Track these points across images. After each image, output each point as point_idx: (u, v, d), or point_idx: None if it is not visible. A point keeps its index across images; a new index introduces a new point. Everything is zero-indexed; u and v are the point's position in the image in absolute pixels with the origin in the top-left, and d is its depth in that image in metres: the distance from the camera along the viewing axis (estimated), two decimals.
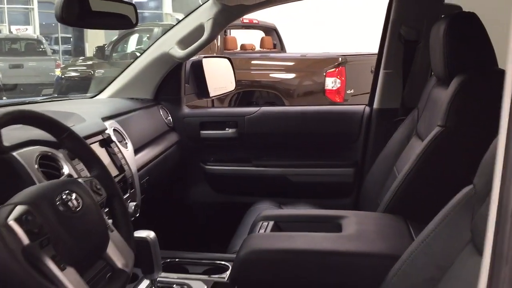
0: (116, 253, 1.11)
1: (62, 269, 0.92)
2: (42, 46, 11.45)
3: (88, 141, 1.51)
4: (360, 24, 8.80)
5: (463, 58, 1.58)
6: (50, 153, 1.29)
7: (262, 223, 1.55)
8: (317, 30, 9.64)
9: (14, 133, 1.23)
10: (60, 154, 1.34)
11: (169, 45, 2.18)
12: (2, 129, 1.01)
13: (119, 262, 1.10)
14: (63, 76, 9.13)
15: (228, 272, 1.57)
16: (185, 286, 1.49)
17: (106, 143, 1.61)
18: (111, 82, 2.32)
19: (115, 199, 1.19)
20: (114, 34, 12.76)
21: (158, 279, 1.46)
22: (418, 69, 2.13)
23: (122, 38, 8.94)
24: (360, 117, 2.25)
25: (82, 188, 1.06)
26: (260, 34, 7.72)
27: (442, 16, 1.82)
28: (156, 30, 7.95)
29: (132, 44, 8.82)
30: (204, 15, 2.08)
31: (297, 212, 1.66)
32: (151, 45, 2.31)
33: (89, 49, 14.58)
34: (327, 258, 1.32)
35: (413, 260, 1.14)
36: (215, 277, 1.54)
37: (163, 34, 2.28)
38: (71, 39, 16.29)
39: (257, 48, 7.53)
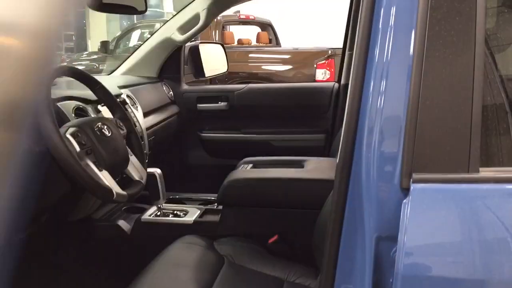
0: (134, 170, 1.56)
1: (99, 170, 1.37)
2: None
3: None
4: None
5: None
6: (81, 106, 1.74)
7: (243, 165, 2.00)
8: (310, 25, 10.05)
9: (57, 91, 1.68)
10: (89, 108, 1.79)
11: (170, 31, 2.62)
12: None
13: (136, 176, 1.55)
14: None
15: (215, 204, 2.02)
16: (183, 212, 1.93)
17: (122, 104, 2.06)
18: (122, 63, 2.77)
19: (132, 134, 1.64)
20: (117, 31, 13.15)
21: (162, 206, 1.91)
22: None
23: (125, 33, 9.39)
24: (330, 92, 2.69)
25: (111, 122, 1.51)
26: (256, 29, 8.12)
27: None
28: (158, 26, 8.36)
29: (134, 39, 9.23)
30: (200, 6, 2.52)
31: (273, 158, 2.10)
32: (155, 32, 2.75)
33: (92, 46, 14.98)
34: (290, 183, 1.77)
35: None
36: (207, 206, 1.98)
37: (166, 23, 2.72)
38: (73, 36, 16.63)
39: (254, 43, 7.94)
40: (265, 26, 8.18)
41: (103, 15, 15.82)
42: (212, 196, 2.12)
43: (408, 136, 0.84)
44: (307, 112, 2.75)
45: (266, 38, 8.04)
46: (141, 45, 2.77)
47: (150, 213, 1.91)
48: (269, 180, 1.78)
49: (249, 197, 1.79)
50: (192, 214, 1.90)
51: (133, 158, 1.57)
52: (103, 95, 1.64)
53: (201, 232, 1.79)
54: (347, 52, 2.65)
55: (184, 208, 1.95)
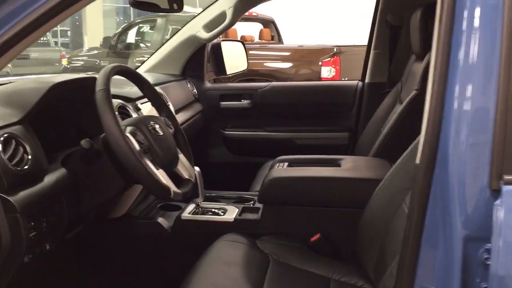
0: (184, 168, 1.56)
1: (157, 169, 1.38)
2: (45, 38, 11.80)
3: (142, 100, 1.96)
4: (353, 16, 9.25)
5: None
6: (122, 104, 1.75)
7: (279, 164, 2.01)
8: (312, 22, 10.07)
9: None
10: (129, 106, 1.80)
11: (196, 29, 2.63)
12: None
13: (186, 174, 1.56)
14: (69, 66, 9.51)
15: (252, 202, 2.03)
16: (222, 210, 1.94)
17: None
18: (145, 61, 2.77)
19: (178, 133, 1.64)
20: (113, 27, 13.04)
21: (201, 205, 1.92)
22: (401, 49, 2.60)
23: (127, 29, 9.35)
24: (354, 90, 2.71)
25: (161, 121, 1.52)
26: (259, 26, 8.12)
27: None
28: (160, 21, 8.34)
29: (136, 35, 9.20)
30: (226, 3, 2.53)
31: (307, 156, 2.12)
32: (179, 30, 2.75)
33: (88, 41, 14.89)
34: (329, 182, 1.78)
35: (393, 176, 1.60)
36: (244, 204, 1.99)
37: (190, 21, 2.72)
38: (69, 32, 16.54)
39: (256, 39, 7.95)
40: (268, 23, 8.19)
41: (99, 11, 15.74)
42: (246, 194, 2.13)
43: (498, 139, 0.86)
44: (331, 110, 2.77)
45: (269, 35, 8.04)
46: (165, 42, 2.77)
47: (190, 211, 1.92)
48: (310, 178, 1.80)
49: (290, 196, 1.80)
50: (231, 212, 1.91)
51: (181, 157, 1.58)
52: (151, 94, 1.65)
53: (241, 230, 1.80)
54: (372, 51, 2.66)
55: (223, 206, 1.96)
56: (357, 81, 2.75)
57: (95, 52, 9.79)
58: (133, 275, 1.90)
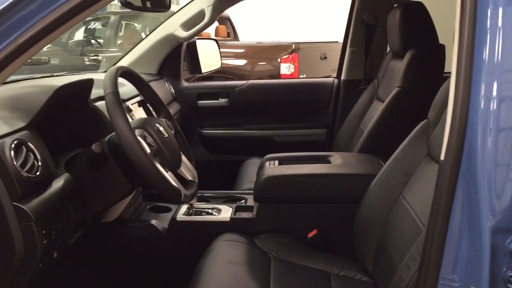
0: (187, 170, 1.56)
1: (166, 171, 1.37)
2: None
3: (132, 101, 1.93)
4: (310, 13, 9.38)
5: (414, 36, 2.12)
6: None
7: (269, 162, 2.03)
8: (267, 19, 10.13)
9: (93, 91, 1.64)
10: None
11: (173, 27, 2.60)
12: None
13: (189, 175, 1.55)
14: None
15: (243, 201, 2.04)
16: (215, 210, 1.94)
17: (143, 103, 2.03)
18: (120, 60, 2.71)
19: (178, 134, 1.63)
20: None
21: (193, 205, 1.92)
22: (376, 47, 2.68)
23: (79, 26, 9.03)
24: (330, 87, 2.77)
25: (164, 123, 1.51)
26: (214, 23, 8.07)
27: (395, 5, 2.35)
28: (113, 18, 8.13)
29: (88, 32, 8.92)
30: (205, 2, 2.51)
31: (296, 154, 2.15)
32: (154, 29, 2.71)
33: None
34: (324, 179, 1.82)
35: (388, 172, 1.65)
36: (236, 203, 2.00)
37: (167, 19, 2.68)
38: None
39: (212, 36, 7.90)
40: (223, 19, 8.15)
41: None
42: (236, 193, 2.14)
43: None
44: (308, 107, 2.82)
45: (225, 32, 8.00)
46: (141, 41, 2.72)
47: (183, 212, 1.90)
48: (305, 176, 1.83)
49: (286, 193, 1.83)
50: (226, 211, 1.91)
51: (184, 158, 1.57)
52: (150, 95, 1.63)
53: (238, 229, 1.81)
54: (347, 49, 2.73)
55: (216, 206, 1.96)
56: (333, 78, 2.81)
57: (45, 49, 9.41)
58: (131, 278, 1.87)
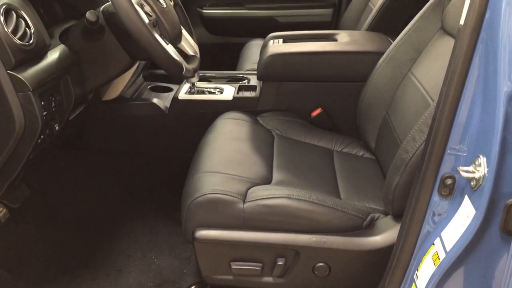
0: (188, 44, 1.49)
1: (166, 43, 1.30)
2: None
3: None
4: None
5: None
6: None
7: (273, 40, 1.95)
8: None
9: None
10: None
11: None
12: None
13: (190, 50, 1.49)
14: None
15: (246, 81, 1.99)
16: (218, 89, 1.90)
17: None
18: None
19: (178, 7, 1.55)
20: None
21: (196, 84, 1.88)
22: None
23: None
24: None
25: None
26: None
27: None
28: None
29: None
30: None
31: (301, 32, 2.05)
32: None
33: None
34: (329, 56, 1.75)
35: (397, 49, 1.59)
36: (239, 83, 1.95)
37: None
38: None
39: None
40: None
41: None
42: (238, 73, 2.08)
43: None
44: None
45: None
46: None
47: (185, 91, 1.86)
48: (310, 53, 1.76)
49: (290, 72, 1.77)
50: (228, 91, 1.87)
51: (184, 32, 1.49)
52: None
53: (240, 108, 1.79)
54: None
55: (218, 85, 1.91)
56: None
57: None
58: (133, 154, 1.89)
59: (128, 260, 1.64)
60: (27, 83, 1.08)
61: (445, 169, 1.02)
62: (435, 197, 1.04)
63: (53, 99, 1.20)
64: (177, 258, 1.65)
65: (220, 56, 2.68)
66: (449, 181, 1.01)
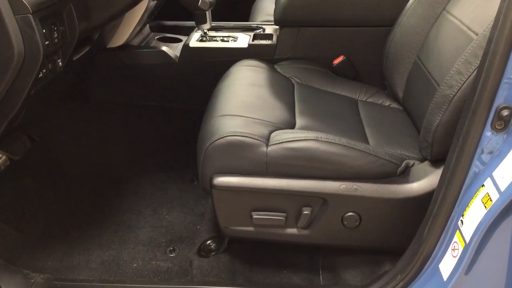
0: None
1: None
2: None
3: None
4: None
5: None
6: None
7: None
8: None
9: None
10: None
11: None
12: None
13: None
14: None
15: (261, 30, 1.85)
16: (231, 38, 1.77)
17: None
18: None
19: None
20: None
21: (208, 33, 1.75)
22: None
23: None
24: None
25: None
26: None
27: None
28: None
29: None
30: None
31: None
32: None
33: None
34: None
35: None
36: (254, 32, 1.82)
37: None
38: None
39: None
40: None
41: None
42: (252, 23, 1.95)
43: None
44: None
45: None
46: None
47: (196, 39, 1.74)
48: None
49: (310, 16, 1.63)
50: (243, 39, 1.74)
51: None
52: None
53: (256, 56, 1.66)
54: None
55: (232, 34, 1.78)
56: None
57: None
58: (139, 107, 1.77)
59: (138, 216, 1.54)
60: (26, 3, 0.96)
61: (500, 100, 0.90)
62: (488, 132, 0.93)
63: (55, 28, 1.08)
64: (190, 214, 1.55)
65: (231, 8, 2.52)
66: (505, 112, 0.89)
